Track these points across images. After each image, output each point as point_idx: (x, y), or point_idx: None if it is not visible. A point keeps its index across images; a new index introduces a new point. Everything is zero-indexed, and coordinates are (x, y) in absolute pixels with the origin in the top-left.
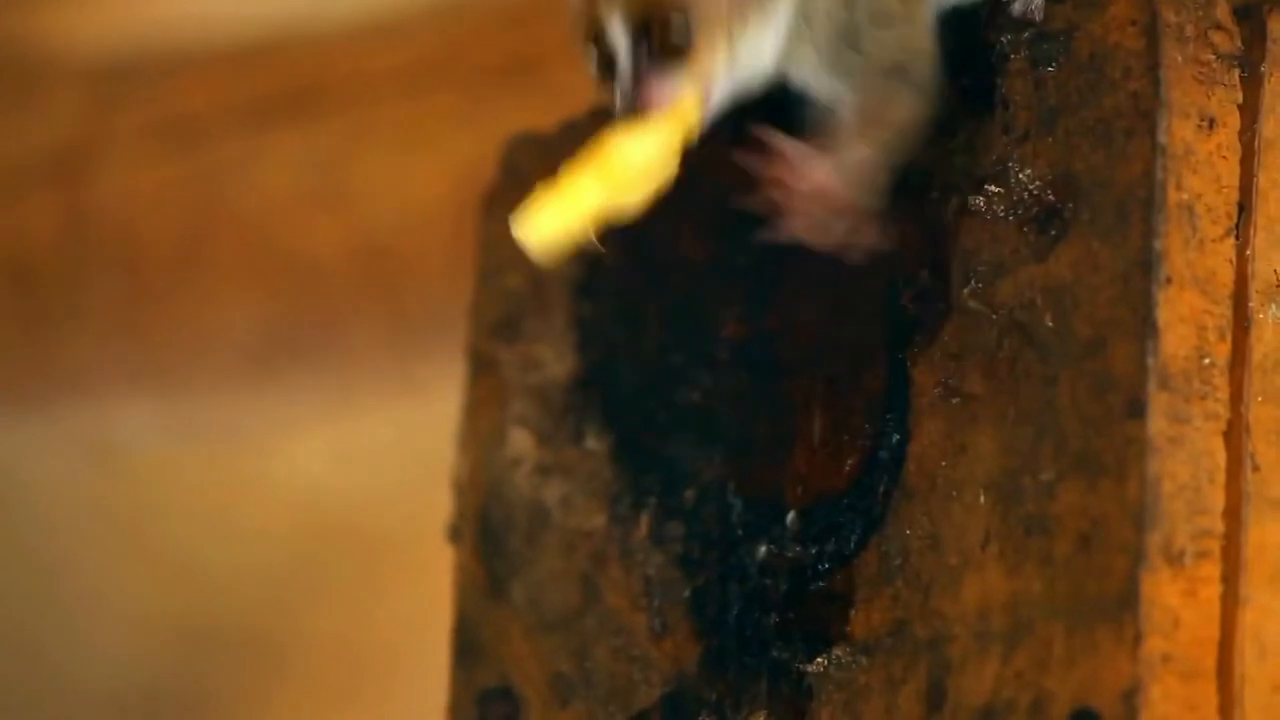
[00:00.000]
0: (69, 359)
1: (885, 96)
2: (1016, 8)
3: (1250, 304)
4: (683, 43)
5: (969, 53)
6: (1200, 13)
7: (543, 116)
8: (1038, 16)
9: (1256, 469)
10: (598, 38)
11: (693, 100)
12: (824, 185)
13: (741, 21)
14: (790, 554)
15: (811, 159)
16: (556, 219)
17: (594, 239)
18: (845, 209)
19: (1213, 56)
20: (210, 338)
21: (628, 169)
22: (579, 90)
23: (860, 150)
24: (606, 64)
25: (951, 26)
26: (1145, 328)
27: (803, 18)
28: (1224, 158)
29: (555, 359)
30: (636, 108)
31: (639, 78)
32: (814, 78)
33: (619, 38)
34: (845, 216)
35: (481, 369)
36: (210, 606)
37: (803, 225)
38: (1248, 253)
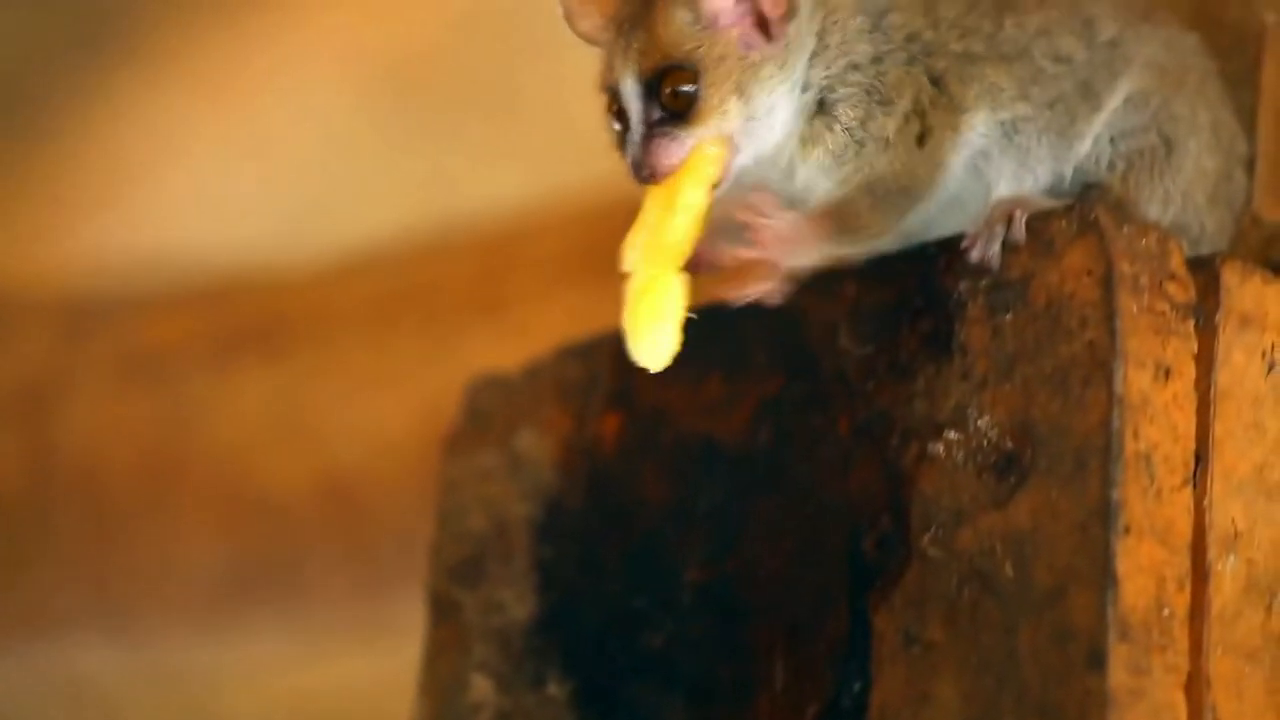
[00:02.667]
0: (34, 596)
1: (863, 206)
2: (974, 255)
3: (1209, 554)
4: (690, 97)
5: (928, 298)
6: (1155, 263)
7: (506, 354)
8: (994, 264)
9: None
10: (613, 96)
11: (711, 158)
12: (785, 234)
13: (754, 77)
14: None
15: (783, 214)
16: (665, 328)
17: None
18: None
19: (1168, 307)
20: (174, 576)
21: (673, 242)
22: (542, 329)
23: (815, 229)
24: (622, 123)
25: (911, 273)
26: (1104, 578)
27: (823, 111)
28: (1180, 407)
29: (516, 602)
30: (644, 174)
31: (648, 141)
32: (820, 179)
33: (631, 97)
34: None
35: (442, 613)
36: None
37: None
38: (1205, 503)
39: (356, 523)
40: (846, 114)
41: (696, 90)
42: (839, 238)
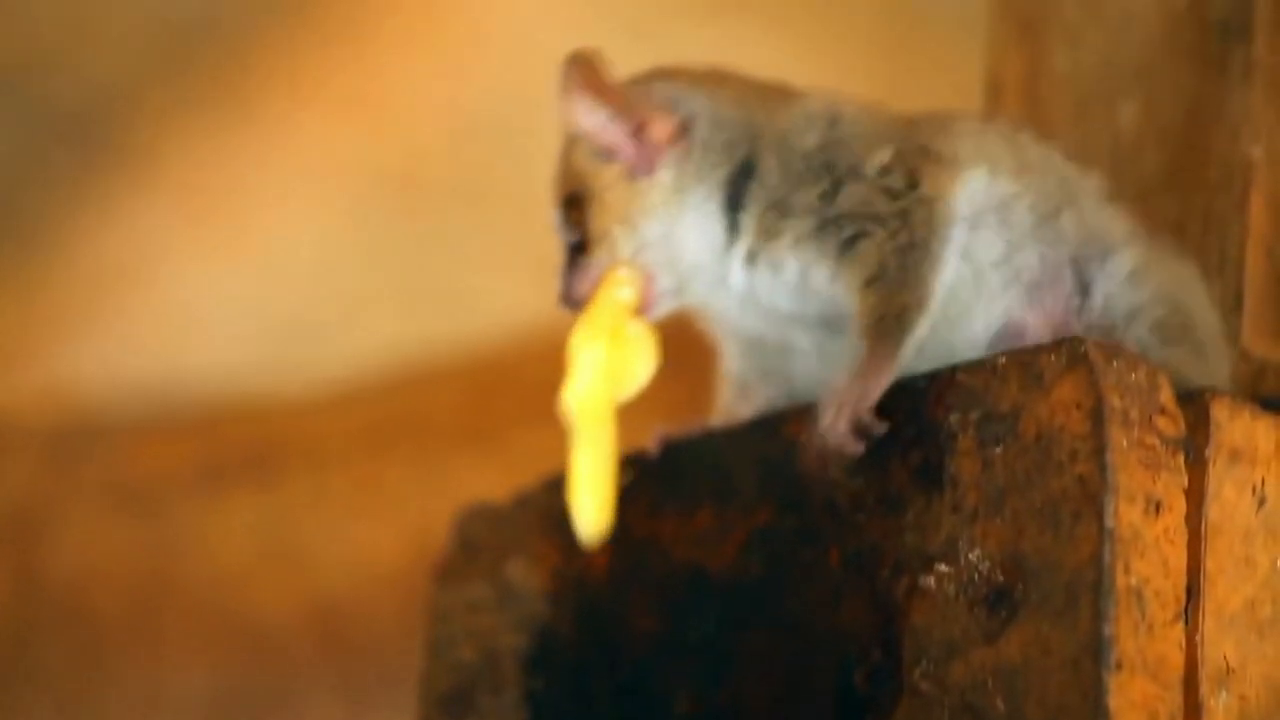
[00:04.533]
0: None
1: (879, 345)
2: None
3: (1201, 690)
4: (583, 226)
5: (918, 430)
6: (1145, 397)
7: (496, 483)
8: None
9: None
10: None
11: (621, 285)
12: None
13: (641, 204)
14: None
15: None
16: (597, 501)
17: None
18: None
19: (1158, 441)
20: (162, 706)
21: (597, 406)
22: (532, 456)
23: (872, 365)
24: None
25: (901, 405)
26: (1096, 714)
27: (774, 207)
28: (1171, 542)
29: None
30: (562, 302)
31: (566, 269)
32: (810, 269)
33: (557, 224)
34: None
35: None
36: None
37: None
38: (1197, 638)
39: (346, 651)
40: (803, 199)
41: (585, 219)
42: (898, 343)
